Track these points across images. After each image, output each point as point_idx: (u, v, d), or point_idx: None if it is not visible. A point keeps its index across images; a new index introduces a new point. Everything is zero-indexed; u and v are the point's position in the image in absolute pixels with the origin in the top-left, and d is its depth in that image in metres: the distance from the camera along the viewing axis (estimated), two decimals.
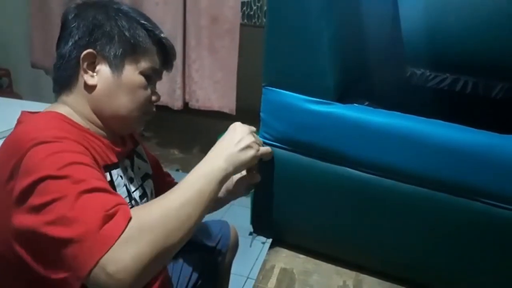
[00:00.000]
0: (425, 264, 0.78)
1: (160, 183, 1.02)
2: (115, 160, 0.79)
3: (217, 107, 2.43)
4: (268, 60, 0.78)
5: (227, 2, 2.27)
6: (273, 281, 0.83)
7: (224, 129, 0.82)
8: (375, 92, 0.92)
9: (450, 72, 0.98)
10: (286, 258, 0.89)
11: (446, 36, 0.94)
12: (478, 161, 0.67)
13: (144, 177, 0.94)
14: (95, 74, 0.77)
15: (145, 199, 0.90)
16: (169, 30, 2.39)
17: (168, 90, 2.52)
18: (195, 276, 1.13)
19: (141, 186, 0.90)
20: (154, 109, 0.87)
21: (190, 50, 2.42)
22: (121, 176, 0.81)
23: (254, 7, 2.46)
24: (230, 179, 0.83)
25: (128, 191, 0.83)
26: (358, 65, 0.91)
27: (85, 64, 0.76)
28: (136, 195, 0.87)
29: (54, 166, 0.61)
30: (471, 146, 0.67)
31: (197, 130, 2.88)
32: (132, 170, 0.89)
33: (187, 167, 2.76)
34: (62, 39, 0.79)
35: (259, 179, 0.85)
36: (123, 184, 0.80)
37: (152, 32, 0.82)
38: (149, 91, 0.82)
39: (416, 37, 0.97)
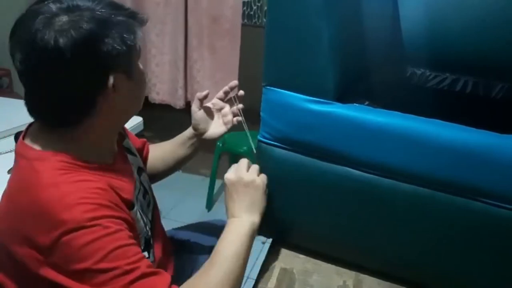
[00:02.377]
0: (425, 264, 0.78)
1: (143, 162, 1.03)
2: (134, 181, 0.80)
3: None
4: (268, 60, 0.78)
5: (227, 1, 2.27)
6: (273, 281, 0.83)
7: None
8: (375, 92, 0.92)
9: (450, 72, 0.98)
10: (286, 258, 0.89)
11: (446, 36, 0.94)
12: (478, 161, 0.67)
13: (139, 172, 0.93)
14: (115, 93, 0.69)
15: (146, 196, 0.90)
16: (171, 30, 2.40)
17: (170, 90, 2.52)
18: None
19: (141, 184, 0.90)
20: None
21: (192, 50, 2.42)
22: (137, 198, 0.81)
23: (254, 7, 2.46)
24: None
25: (143, 220, 0.82)
26: (358, 65, 0.91)
27: (111, 91, 0.68)
28: (140, 197, 0.86)
29: (97, 257, 0.61)
30: (471, 146, 0.67)
31: None
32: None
33: (187, 167, 2.76)
34: (48, 72, 0.65)
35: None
36: (140, 218, 0.80)
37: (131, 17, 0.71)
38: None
39: (416, 37, 0.97)
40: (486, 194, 0.67)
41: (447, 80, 0.99)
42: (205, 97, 1.00)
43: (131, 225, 0.70)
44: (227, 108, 1.03)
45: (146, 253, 0.79)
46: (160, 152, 1.08)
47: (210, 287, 0.69)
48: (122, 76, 0.69)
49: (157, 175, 1.09)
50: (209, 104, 1.02)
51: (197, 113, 1.00)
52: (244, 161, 0.84)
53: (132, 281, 0.62)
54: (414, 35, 0.97)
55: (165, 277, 0.68)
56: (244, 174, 0.81)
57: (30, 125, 0.75)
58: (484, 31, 0.90)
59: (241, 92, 1.00)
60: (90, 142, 0.72)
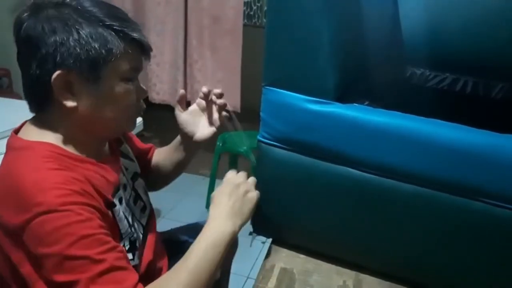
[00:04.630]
0: (425, 264, 0.78)
1: (147, 165, 1.04)
2: (117, 182, 0.79)
3: None
4: (268, 60, 0.78)
5: (228, 2, 2.27)
6: (273, 281, 0.83)
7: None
8: (375, 91, 0.92)
9: (450, 72, 0.98)
10: (286, 258, 0.89)
11: (446, 36, 0.94)
12: (478, 161, 0.67)
13: (134, 177, 0.93)
14: (73, 96, 0.70)
15: (138, 201, 0.90)
16: (171, 29, 2.40)
17: (169, 89, 2.52)
18: None
19: (133, 189, 0.90)
20: (144, 105, 0.83)
21: (192, 49, 2.42)
22: (120, 199, 0.80)
23: (254, 7, 2.46)
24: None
25: (128, 221, 0.82)
26: (358, 65, 0.91)
27: (58, 87, 0.69)
28: (131, 202, 0.87)
29: (66, 242, 0.61)
30: (471, 146, 0.67)
31: None
32: (124, 175, 0.88)
33: (187, 167, 2.76)
34: (23, 56, 0.71)
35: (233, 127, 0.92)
36: (124, 218, 0.79)
37: (122, 32, 0.71)
38: (134, 95, 0.77)
39: (416, 37, 0.97)
40: (486, 194, 0.67)
41: (447, 80, 0.99)
42: (183, 98, 0.95)
43: (105, 216, 0.70)
44: (212, 107, 0.95)
45: (130, 255, 0.78)
46: (158, 157, 1.09)
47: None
48: (78, 79, 0.70)
49: (159, 180, 1.09)
50: (192, 106, 0.96)
51: (181, 116, 0.95)
52: (242, 173, 0.86)
53: (101, 273, 0.62)
54: (414, 35, 0.97)
55: (133, 273, 0.67)
56: (244, 180, 0.84)
57: (25, 122, 0.77)
58: (484, 31, 0.90)
59: (216, 91, 0.93)
60: (74, 137, 0.74)
